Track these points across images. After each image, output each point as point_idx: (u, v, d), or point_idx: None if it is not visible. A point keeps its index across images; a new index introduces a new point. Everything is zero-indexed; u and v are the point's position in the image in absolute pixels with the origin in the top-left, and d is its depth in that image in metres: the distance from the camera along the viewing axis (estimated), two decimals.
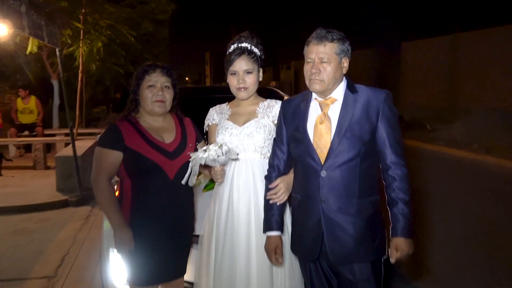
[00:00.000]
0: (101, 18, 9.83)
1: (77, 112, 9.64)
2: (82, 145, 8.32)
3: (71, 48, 9.72)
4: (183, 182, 2.49)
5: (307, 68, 2.27)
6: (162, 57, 17.24)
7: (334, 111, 2.26)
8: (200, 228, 2.79)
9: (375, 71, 24.49)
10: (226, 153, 2.32)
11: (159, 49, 15.50)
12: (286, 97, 4.29)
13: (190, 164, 2.44)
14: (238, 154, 2.54)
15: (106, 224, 3.27)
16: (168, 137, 2.62)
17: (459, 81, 18.73)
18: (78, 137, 9.26)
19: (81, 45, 9.51)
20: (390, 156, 2.22)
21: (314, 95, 2.35)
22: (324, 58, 2.22)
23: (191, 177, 2.46)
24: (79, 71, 9.49)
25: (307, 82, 2.29)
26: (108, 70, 11.89)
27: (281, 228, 2.45)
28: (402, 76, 22.67)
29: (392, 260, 2.20)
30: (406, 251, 2.19)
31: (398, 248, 2.19)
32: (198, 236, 2.79)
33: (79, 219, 6.18)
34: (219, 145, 2.33)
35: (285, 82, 38.40)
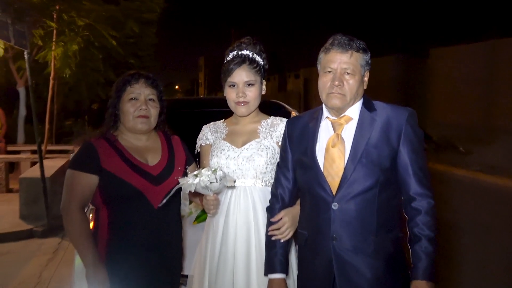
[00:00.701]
0: (78, 16, 9.93)
1: (47, 126, 9.68)
2: (52, 164, 8.34)
3: (43, 52, 9.80)
4: (182, 212, 2.51)
5: (325, 80, 2.30)
6: (149, 63, 17.37)
7: (349, 132, 2.28)
8: (189, 267, 2.78)
9: (397, 82, 24.59)
10: (220, 180, 2.33)
11: (145, 53, 15.62)
12: (294, 113, 4.31)
13: (174, 191, 2.46)
14: (235, 181, 2.55)
15: (78, 261, 3.27)
16: (153, 159, 2.64)
17: (498, 95, 18.78)
18: (47, 155, 9.30)
19: (53, 47, 9.59)
20: (413, 186, 2.23)
21: (326, 112, 2.37)
22: (348, 69, 2.25)
23: (182, 205, 2.48)
24: (51, 78, 9.55)
25: (323, 96, 2.32)
26: (85, 77, 11.97)
27: (285, 269, 2.45)
28: (430, 88, 22.76)
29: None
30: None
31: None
32: (186, 276, 2.78)
33: (46, 253, 6.17)
34: (213, 169, 2.33)
35: (292, 93, 38.59)
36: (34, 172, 7.78)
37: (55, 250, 6.26)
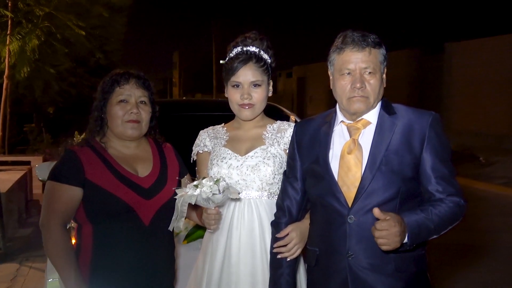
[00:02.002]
0: (36, 4, 9.98)
1: None
2: (7, 178, 8.40)
3: None
4: (170, 228, 2.60)
5: (343, 83, 2.41)
6: (116, 58, 17.43)
7: (366, 138, 2.41)
8: None
9: (408, 82, 24.71)
10: (224, 191, 2.43)
11: (112, 47, 15.67)
12: (293, 117, 4.44)
13: (176, 203, 2.54)
14: (239, 193, 2.65)
15: (51, 286, 3.37)
16: (143, 169, 2.75)
17: None
18: (0, 167, 9.31)
19: (8, 41, 9.63)
20: (437, 196, 2.34)
21: (340, 116, 2.50)
22: (368, 68, 2.38)
23: (177, 221, 2.56)
24: (4, 76, 9.60)
25: (343, 101, 2.43)
26: (41, 75, 11.94)
27: None
28: (446, 89, 22.84)
29: (375, 212, 2.17)
30: (391, 229, 2.15)
31: (392, 218, 2.16)
32: None
33: (2, 280, 6.19)
34: (215, 180, 2.43)
35: (284, 94, 38.75)
36: None
37: (14, 278, 6.29)
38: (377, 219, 2.29)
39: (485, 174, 13.46)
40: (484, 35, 21.84)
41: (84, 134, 2.82)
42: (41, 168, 4.40)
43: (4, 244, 7.08)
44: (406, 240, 2.21)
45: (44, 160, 10.49)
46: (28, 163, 10.94)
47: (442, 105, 22.27)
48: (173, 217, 2.55)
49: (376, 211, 2.15)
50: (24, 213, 8.86)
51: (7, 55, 9.72)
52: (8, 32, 9.72)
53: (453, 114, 22.01)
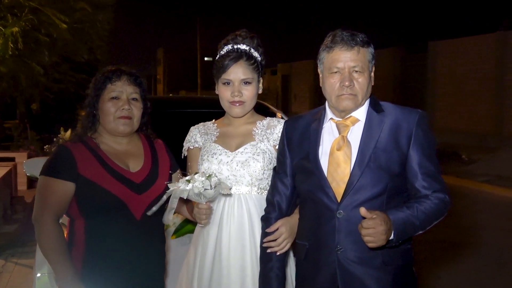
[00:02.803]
0: None
1: None
2: None
3: None
4: (164, 221, 2.65)
5: (332, 81, 2.47)
6: (101, 54, 17.34)
7: (355, 135, 2.47)
8: (173, 285, 2.94)
9: (392, 81, 24.86)
10: (215, 186, 2.48)
11: (95, 44, 15.58)
12: (279, 115, 4.50)
13: (166, 196, 2.60)
14: (231, 189, 2.69)
15: (40, 284, 3.39)
16: (135, 165, 2.79)
17: (508, 96, 19.06)
18: None
19: None
20: (423, 192, 2.42)
21: (329, 113, 2.56)
22: (357, 67, 2.44)
23: (167, 213, 2.62)
24: None
25: (332, 99, 2.49)
26: (25, 70, 11.86)
27: (282, 285, 2.62)
28: (429, 87, 23.02)
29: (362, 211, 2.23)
30: (378, 227, 2.21)
31: (378, 217, 2.21)
32: None
33: None
34: (207, 175, 2.48)
35: (269, 92, 38.82)
36: None
37: (0, 274, 6.30)
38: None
39: (468, 172, 13.60)
40: (467, 34, 22.02)
41: (69, 130, 2.85)
42: (29, 164, 4.42)
43: None
44: (392, 237, 2.28)
45: (29, 156, 10.47)
46: (12, 159, 10.92)
47: (426, 103, 22.45)
48: (158, 204, 2.62)
49: (363, 211, 2.21)
50: (9, 210, 8.83)
51: None
52: None
53: (437, 112, 22.22)
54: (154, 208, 2.64)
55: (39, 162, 4.15)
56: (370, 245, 2.24)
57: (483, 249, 7.21)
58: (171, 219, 2.70)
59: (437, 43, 23.06)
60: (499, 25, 20.43)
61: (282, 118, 3.42)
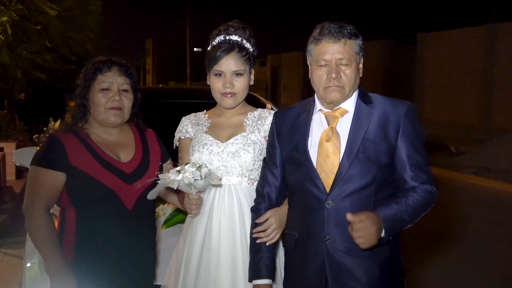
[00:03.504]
0: None
1: None
2: None
3: None
4: (150, 196, 2.68)
5: (320, 73, 2.49)
6: (91, 45, 17.27)
7: (344, 126, 2.50)
8: (163, 276, 2.96)
9: (381, 73, 24.90)
10: (206, 177, 2.51)
11: (84, 35, 15.51)
12: (269, 106, 4.53)
13: (157, 188, 2.62)
14: (221, 179, 2.72)
15: (30, 273, 3.40)
16: (126, 155, 2.81)
17: (497, 89, 19.18)
18: None
19: None
20: (411, 183, 2.45)
21: (318, 105, 2.58)
22: (344, 60, 2.46)
23: (154, 190, 2.65)
24: None
25: (320, 91, 2.52)
26: (16, 60, 11.79)
27: (272, 275, 2.64)
28: (418, 80, 23.10)
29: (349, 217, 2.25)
30: (368, 229, 2.23)
31: (367, 218, 2.24)
32: (159, 286, 2.97)
33: None
34: (198, 166, 2.51)
35: (258, 83, 38.81)
36: None
37: None
38: (354, 205, 2.40)
39: (455, 164, 13.71)
40: (456, 26, 22.07)
41: (59, 121, 2.85)
42: (18, 154, 4.42)
43: None
44: (383, 234, 2.31)
45: (18, 146, 10.43)
46: (1, 149, 10.87)
47: (414, 95, 22.53)
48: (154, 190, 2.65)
49: (349, 216, 2.23)
50: None
51: None
52: None
53: (425, 104, 22.31)
54: (154, 194, 2.67)
55: (29, 152, 4.16)
56: (362, 246, 2.27)
57: (470, 240, 7.30)
58: (156, 196, 2.69)
59: (426, 35, 23.10)
60: (488, 17, 20.47)
61: (272, 109, 3.44)
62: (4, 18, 9.90)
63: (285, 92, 35.10)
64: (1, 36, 9.83)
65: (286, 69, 35.09)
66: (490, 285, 5.78)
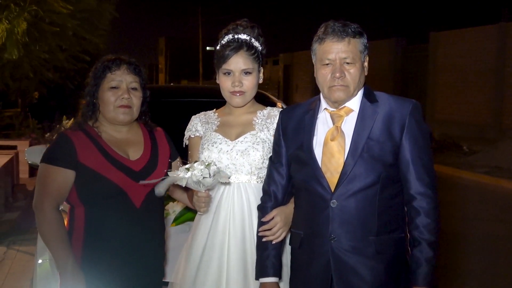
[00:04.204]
0: None
1: None
2: None
3: None
4: (157, 192, 2.70)
5: (324, 73, 2.50)
6: (102, 43, 17.33)
7: (349, 125, 2.51)
8: (171, 274, 2.98)
9: (392, 72, 24.80)
10: (214, 175, 2.53)
11: (98, 33, 15.58)
12: (279, 104, 4.54)
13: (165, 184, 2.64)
14: (229, 177, 2.73)
15: (41, 270, 3.44)
16: (134, 153, 2.84)
17: (508, 87, 19.05)
18: None
19: None
20: (414, 185, 2.46)
21: (324, 104, 2.60)
22: (348, 59, 2.46)
23: (161, 185, 2.65)
24: None
25: (324, 90, 2.53)
26: (29, 58, 11.88)
27: (278, 273, 2.66)
28: (430, 78, 22.99)
29: None
30: None
31: None
32: (168, 284, 2.99)
33: None
34: (207, 164, 2.53)
35: (270, 82, 38.80)
36: None
37: (1, 261, 6.35)
38: (359, 204, 2.42)
39: (467, 163, 13.65)
40: (469, 24, 21.96)
41: (72, 118, 2.88)
42: (30, 151, 4.46)
43: None
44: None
45: (31, 144, 10.51)
46: (14, 147, 10.96)
47: (427, 94, 22.42)
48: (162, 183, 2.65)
49: None
50: (11, 197, 8.88)
51: None
52: None
53: (437, 104, 22.19)
54: (159, 190, 2.68)
55: (40, 150, 4.19)
56: None
57: (481, 240, 7.28)
58: (163, 191, 2.70)
59: (438, 34, 22.95)
60: (500, 16, 20.34)
61: (282, 107, 3.46)
62: (24, 26, 9.98)
63: (297, 90, 35.02)
64: (18, 36, 9.93)
65: (298, 68, 34.99)
66: (501, 285, 5.76)
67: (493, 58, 19.61)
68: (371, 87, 2.61)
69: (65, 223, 2.78)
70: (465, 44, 21.05)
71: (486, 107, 19.73)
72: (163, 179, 2.63)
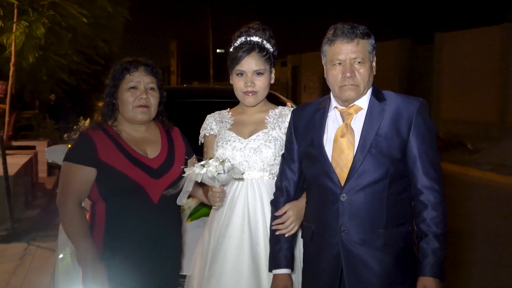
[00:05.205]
0: None
1: (7, 118, 9.81)
2: (13, 162, 8.42)
3: (5, 34, 9.88)
4: (178, 202, 2.77)
5: (335, 73, 2.55)
6: (116, 46, 17.42)
7: (358, 122, 2.55)
8: (187, 267, 3.04)
9: (399, 72, 24.75)
10: (228, 171, 2.59)
11: (113, 37, 15.68)
12: (289, 104, 4.59)
13: (183, 181, 2.71)
14: (243, 174, 2.80)
15: (62, 264, 3.50)
16: (152, 151, 2.89)
17: None
18: (6, 152, 9.40)
19: (14, 28, 9.67)
20: (421, 179, 2.50)
21: (334, 102, 2.64)
22: (358, 59, 2.51)
23: (181, 195, 2.74)
24: (11, 64, 9.66)
25: (335, 89, 2.57)
26: (45, 62, 11.99)
27: (291, 265, 2.71)
28: (436, 78, 22.95)
29: None
30: None
31: None
32: (184, 277, 3.03)
33: (12, 259, 6.33)
34: (221, 160, 2.59)
35: (279, 83, 38.83)
36: None
37: (22, 256, 6.42)
38: (367, 198, 2.47)
39: (472, 161, 13.62)
40: (474, 25, 21.90)
41: (88, 119, 2.93)
42: (50, 151, 4.51)
43: (12, 225, 7.20)
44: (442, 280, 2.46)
45: (49, 144, 10.61)
46: (33, 147, 11.06)
47: (432, 94, 22.38)
48: (176, 186, 2.77)
49: None
50: (30, 196, 8.96)
51: (13, 42, 9.77)
52: (15, 20, 9.77)
53: (442, 103, 22.15)
54: (172, 191, 2.75)
55: (60, 149, 4.26)
56: None
57: (487, 236, 7.28)
58: (185, 202, 2.79)
59: (443, 34, 22.91)
60: (504, 17, 20.28)
61: (292, 107, 3.51)
62: (42, 31, 10.06)
63: (305, 91, 35.02)
64: (36, 40, 10.01)
65: (306, 69, 35.00)
66: (506, 277, 5.77)
67: (497, 58, 19.56)
68: (378, 86, 2.66)
69: (87, 218, 2.83)
70: (470, 44, 21.00)
71: (491, 106, 19.67)
72: (181, 174, 2.70)
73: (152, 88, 2.88)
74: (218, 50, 52.12)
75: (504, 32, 19.52)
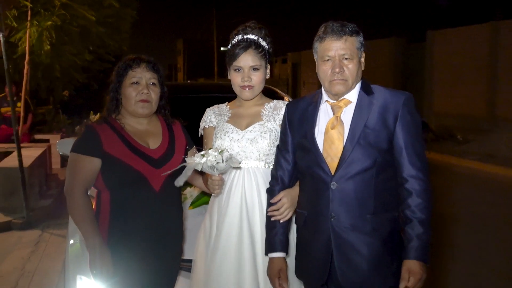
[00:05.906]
0: None
1: (22, 113, 9.84)
2: (28, 154, 8.50)
3: (19, 33, 9.90)
4: (176, 183, 2.78)
5: (325, 68, 2.57)
6: (124, 45, 17.45)
7: (347, 115, 2.56)
8: (189, 251, 3.05)
9: (392, 69, 24.74)
10: (227, 160, 2.61)
11: (121, 36, 15.70)
12: (287, 98, 4.59)
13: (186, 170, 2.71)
14: (240, 163, 2.82)
15: (72, 250, 3.52)
16: (154, 143, 2.91)
17: (501, 82, 19.00)
18: (22, 145, 9.43)
19: (28, 26, 9.68)
20: (407, 168, 2.50)
21: (325, 96, 2.65)
22: (346, 55, 2.52)
23: (180, 178, 2.75)
24: (25, 62, 9.68)
25: (325, 84, 2.59)
26: (59, 60, 12.03)
27: (285, 248, 2.72)
28: (427, 74, 22.94)
29: (402, 286, 2.44)
30: (419, 276, 2.44)
31: (411, 271, 2.44)
32: (187, 261, 3.05)
33: (27, 245, 6.38)
34: (220, 150, 2.61)
35: (280, 79, 38.81)
36: (10, 162, 7.94)
37: (37, 243, 6.47)
38: (357, 186, 2.47)
39: (461, 151, 13.63)
40: (462, 24, 21.87)
41: (98, 113, 2.94)
42: (61, 144, 4.52)
43: (27, 213, 7.25)
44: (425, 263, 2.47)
45: (62, 138, 10.63)
46: (47, 141, 11.10)
47: (425, 89, 22.38)
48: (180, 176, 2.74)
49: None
50: (45, 186, 9.01)
51: (27, 41, 9.79)
52: (28, 19, 9.79)
53: (435, 97, 22.15)
54: (180, 181, 2.76)
55: (70, 142, 4.26)
56: None
57: (474, 221, 7.29)
58: (182, 183, 2.78)
59: (435, 32, 22.86)
60: (492, 15, 20.24)
61: (288, 101, 3.52)
62: (49, 23, 10.10)
63: (304, 86, 35.00)
64: (47, 40, 10.03)
65: (305, 66, 34.94)
66: (491, 259, 5.78)
67: (486, 54, 19.55)
68: (374, 82, 2.67)
69: (93, 206, 2.85)
70: (460, 41, 21.00)
71: (480, 100, 19.67)
72: (181, 167, 2.70)
73: (153, 84, 2.89)
74: (222, 48, 51.94)
75: (491, 30, 19.51)
